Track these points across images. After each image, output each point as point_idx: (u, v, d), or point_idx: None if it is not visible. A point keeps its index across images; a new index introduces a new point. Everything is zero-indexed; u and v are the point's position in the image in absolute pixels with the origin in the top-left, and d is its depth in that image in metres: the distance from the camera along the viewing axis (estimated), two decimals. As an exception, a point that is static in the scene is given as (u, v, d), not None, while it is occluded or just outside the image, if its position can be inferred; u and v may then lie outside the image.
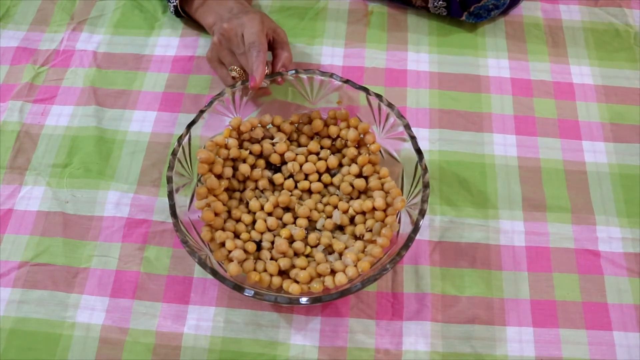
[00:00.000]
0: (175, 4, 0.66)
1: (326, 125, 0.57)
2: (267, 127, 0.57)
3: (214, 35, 0.60)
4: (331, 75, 0.54)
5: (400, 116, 0.52)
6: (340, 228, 0.54)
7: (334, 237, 0.53)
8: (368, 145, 0.55)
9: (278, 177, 0.55)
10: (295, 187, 0.55)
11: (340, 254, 0.51)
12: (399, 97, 0.65)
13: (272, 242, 0.52)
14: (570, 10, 0.73)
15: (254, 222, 0.53)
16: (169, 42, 0.69)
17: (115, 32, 0.71)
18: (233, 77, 0.59)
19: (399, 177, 0.54)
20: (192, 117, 0.52)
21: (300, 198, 0.55)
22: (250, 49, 0.55)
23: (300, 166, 0.55)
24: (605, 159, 0.61)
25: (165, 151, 0.61)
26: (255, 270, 0.49)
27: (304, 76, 0.55)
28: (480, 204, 0.58)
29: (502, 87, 0.66)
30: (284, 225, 0.53)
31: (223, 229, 0.52)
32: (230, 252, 0.50)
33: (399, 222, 0.51)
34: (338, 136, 0.56)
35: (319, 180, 0.56)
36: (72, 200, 0.58)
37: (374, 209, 0.52)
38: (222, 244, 0.50)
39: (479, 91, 0.65)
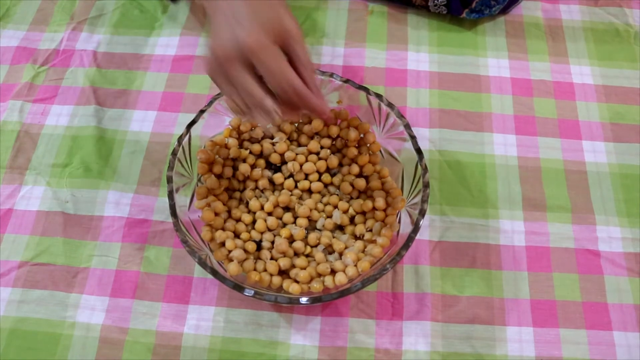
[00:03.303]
0: None
1: (326, 125, 0.57)
2: (267, 126, 0.57)
3: (208, 48, 0.43)
4: (331, 75, 0.54)
5: (400, 116, 0.52)
6: (340, 228, 0.54)
7: (334, 237, 0.53)
8: (368, 145, 0.55)
9: (278, 177, 0.55)
10: (295, 186, 0.55)
11: (340, 254, 0.51)
12: (399, 96, 0.65)
13: (272, 242, 0.52)
14: (570, 10, 0.73)
15: (254, 222, 0.53)
16: (169, 42, 0.69)
17: (115, 32, 0.70)
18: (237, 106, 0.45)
19: (399, 177, 0.54)
20: (192, 117, 0.52)
21: (300, 198, 0.55)
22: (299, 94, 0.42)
23: (300, 166, 0.55)
24: (605, 158, 0.61)
25: (165, 151, 0.61)
26: (255, 270, 0.49)
27: (304, 76, 0.55)
28: (480, 204, 0.57)
29: (502, 86, 0.66)
30: (284, 225, 0.53)
31: (223, 229, 0.51)
32: (230, 252, 0.50)
33: (399, 222, 0.51)
34: (338, 136, 0.56)
35: (319, 180, 0.56)
36: (72, 200, 0.58)
37: (374, 208, 0.52)
38: (222, 244, 0.50)
39: (479, 91, 0.65)
